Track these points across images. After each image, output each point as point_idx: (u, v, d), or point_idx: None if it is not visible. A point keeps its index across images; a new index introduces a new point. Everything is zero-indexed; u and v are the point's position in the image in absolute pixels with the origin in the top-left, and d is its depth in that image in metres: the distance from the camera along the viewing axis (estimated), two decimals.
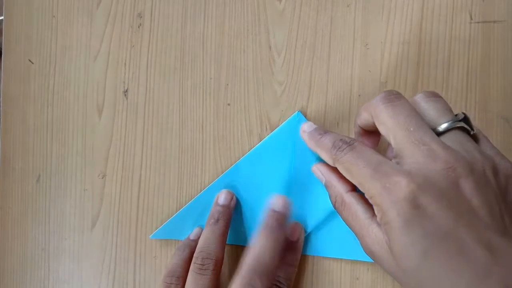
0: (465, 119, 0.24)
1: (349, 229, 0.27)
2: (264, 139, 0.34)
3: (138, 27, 0.37)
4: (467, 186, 0.22)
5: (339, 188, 0.27)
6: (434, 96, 0.25)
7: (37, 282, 0.37)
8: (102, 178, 0.37)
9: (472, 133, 0.24)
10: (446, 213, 0.21)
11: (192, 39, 0.36)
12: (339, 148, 0.25)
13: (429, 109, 0.25)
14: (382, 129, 0.25)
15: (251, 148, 0.34)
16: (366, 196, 0.24)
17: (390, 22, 0.34)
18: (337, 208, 0.27)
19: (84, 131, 0.37)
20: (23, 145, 0.38)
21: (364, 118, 0.27)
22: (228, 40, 0.36)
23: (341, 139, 0.26)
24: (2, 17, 0.40)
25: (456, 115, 0.24)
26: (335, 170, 0.27)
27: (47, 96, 0.38)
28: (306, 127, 0.30)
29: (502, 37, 0.33)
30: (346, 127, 0.34)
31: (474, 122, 0.33)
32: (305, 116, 0.34)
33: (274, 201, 0.30)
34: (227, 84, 0.36)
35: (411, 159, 0.23)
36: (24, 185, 0.38)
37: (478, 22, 0.33)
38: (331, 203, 0.28)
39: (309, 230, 0.33)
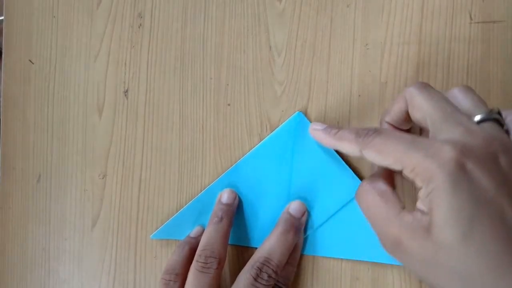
0: (500, 114, 0.24)
1: (366, 220, 0.25)
2: (265, 139, 0.34)
3: (138, 27, 0.37)
4: (505, 161, 0.21)
5: (380, 177, 0.26)
6: (470, 89, 0.25)
7: (37, 282, 0.37)
8: (102, 178, 0.37)
9: (504, 127, 0.24)
10: (490, 180, 0.21)
11: (192, 39, 0.36)
12: (366, 134, 0.25)
13: (465, 100, 0.25)
14: (416, 114, 0.25)
15: (251, 148, 0.35)
16: (405, 171, 0.23)
17: (390, 22, 0.34)
18: (365, 191, 0.25)
19: (84, 131, 0.37)
20: (23, 145, 0.38)
21: (396, 109, 0.26)
22: (228, 40, 0.36)
23: (363, 128, 0.25)
24: (2, 17, 0.40)
25: (491, 109, 0.24)
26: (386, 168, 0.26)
27: (47, 96, 0.38)
28: (316, 126, 0.30)
29: (502, 37, 0.33)
30: (346, 127, 0.34)
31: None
32: (305, 116, 0.34)
33: (292, 205, 0.32)
34: (227, 84, 0.36)
35: (448, 135, 0.22)
36: (24, 185, 0.38)
37: (478, 22, 0.33)
38: (359, 188, 0.26)
39: (309, 230, 0.33)
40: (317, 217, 0.32)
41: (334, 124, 0.34)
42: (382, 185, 0.25)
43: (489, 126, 0.23)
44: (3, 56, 0.38)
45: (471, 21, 0.33)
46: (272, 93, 0.35)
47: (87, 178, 0.37)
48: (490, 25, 0.33)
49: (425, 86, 0.25)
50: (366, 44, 0.34)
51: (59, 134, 0.37)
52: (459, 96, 0.25)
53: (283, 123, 0.34)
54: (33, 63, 0.38)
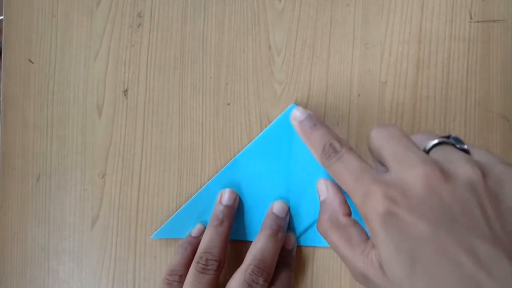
0: (455, 139, 0.25)
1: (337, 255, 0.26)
2: (262, 132, 0.34)
3: (138, 26, 0.37)
4: (445, 194, 0.22)
5: (338, 208, 0.27)
6: (429, 131, 0.26)
7: (37, 281, 0.37)
8: (102, 177, 0.37)
9: (458, 146, 0.24)
10: (422, 221, 0.21)
11: (192, 39, 0.36)
12: (328, 156, 0.26)
13: (421, 136, 0.26)
14: (373, 151, 0.26)
15: None
16: (355, 204, 0.24)
17: (389, 21, 0.34)
18: (327, 230, 0.26)
19: (84, 130, 0.37)
20: (23, 145, 0.38)
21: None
22: (228, 40, 0.36)
23: (330, 143, 0.27)
24: (2, 17, 0.40)
25: (443, 136, 0.25)
26: (340, 191, 0.28)
27: (47, 96, 0.38)
28: (297, 114, 0.30)
29: (502, 36, 0.33)
30: (345, 126, 0.34)
31: (475, 122, 0.33)
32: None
33: (276, 205, 0.33)
34: (227, 84, 0.36)
35: (393, 170, 0.23)
36: (24, 184, 0.38)
37: (478, 22, 0.33)
38: (320, 224, 0.27)
39: (309, 221, 0.33)
40: (316, 208, 0.32)
41: (334, 123, 0.34)
42: (342, 219, 0.26)
43: (440, 151, 0.24)
44: (2, 55, 0.38)
45: (471, 20, 0.33)
46: (271, 92, 0.35)
47: (87, 178, 0.37)
48: (490, 24, 0.33)
49: (382, 125, 0.26)
50: (366, 44, 0.34)
51: (59, 133, 0.37)
52: (418, 135, 0.26)
53: (278, 116, 0.34)
54: (32, 63, 0.38)
